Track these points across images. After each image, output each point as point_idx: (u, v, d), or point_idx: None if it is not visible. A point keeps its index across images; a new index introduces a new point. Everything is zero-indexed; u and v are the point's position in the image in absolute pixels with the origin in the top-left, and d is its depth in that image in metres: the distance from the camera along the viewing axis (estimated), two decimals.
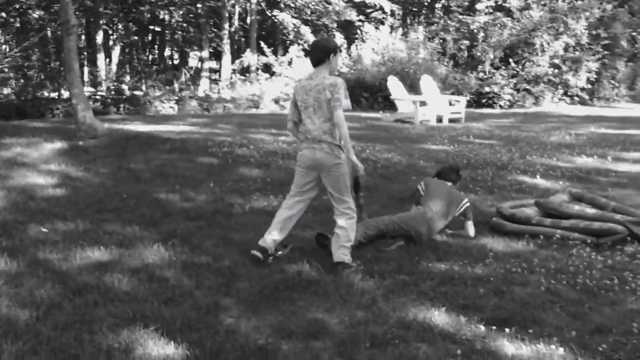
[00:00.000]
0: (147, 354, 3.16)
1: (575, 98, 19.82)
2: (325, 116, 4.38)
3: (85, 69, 23.83)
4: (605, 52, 19.85)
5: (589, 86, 19.83)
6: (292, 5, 22.71)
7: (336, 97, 4.31)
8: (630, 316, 3.67)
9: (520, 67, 18.79)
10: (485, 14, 20.18)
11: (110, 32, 27.81)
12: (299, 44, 21.12)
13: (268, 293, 3.96)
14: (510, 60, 18.84)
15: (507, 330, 3.45)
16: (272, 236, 4.59)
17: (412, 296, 3.97)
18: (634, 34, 21.83)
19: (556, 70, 19.02)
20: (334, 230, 4.55)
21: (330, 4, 22.24)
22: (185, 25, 27.06)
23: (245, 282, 4.16)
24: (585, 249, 4.88)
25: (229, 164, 8.05)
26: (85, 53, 25.15)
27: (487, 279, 4.25)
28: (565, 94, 19.70)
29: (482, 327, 3.50)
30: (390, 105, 15.66)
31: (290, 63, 19.03)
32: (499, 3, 20.32)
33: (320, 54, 4.44)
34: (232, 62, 22.52)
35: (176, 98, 17.00)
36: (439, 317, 3.65)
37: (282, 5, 22.83)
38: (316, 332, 3.44)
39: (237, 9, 24.35)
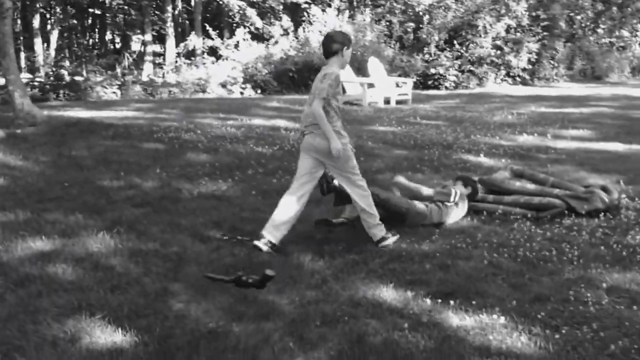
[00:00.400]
0: (95, 343, 3.12)
1: (517, 78, 20.35)
2: None
3: (22, 55, 22.90)
4: (545, 33, 20.43)
5: (530, 67, 20.39)
6: None
7: (320, 86, 4.41)
8: (567, 285, 3.84)
9: (464, 48, 19.13)
10: None
11: (47, 15, 26.74)
12: (245, 27, 20.85)
13: None
14: (455, 42, 19.16)
15: (452, 302, 3.57)
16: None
17: (362, 274, 4.04)
18: (571, 15, 22.52)
19: (498, 52, 19.46)
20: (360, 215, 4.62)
21: None
22: (126, 7, 26.21)
23: (194, 266, 4.14)
24: (525, 223, 5.06)
25: (176, 149, 7.94)
26: (21, 38, 24.14)
27: (433, 255, 4.36)
28: (507, 74, 20.20)
29: (429, 301, 3.61)
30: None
31: (237, 46, 18.78)
32: None
33: (329, 46, 4.53)
34: (177, 45, 22.05)
35: (119, 83, 16.55)
36: (388, 293, 3.73)
37: None
38: (267, 313, 3.47)
39: None
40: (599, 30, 23.93)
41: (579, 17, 22.98)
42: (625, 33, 24.61)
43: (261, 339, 3.17)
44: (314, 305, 3.56)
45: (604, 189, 5.54)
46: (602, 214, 5.21)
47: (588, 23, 23.65)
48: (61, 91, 15.31)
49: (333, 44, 4.54)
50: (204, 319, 3.39)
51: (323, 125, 4.43)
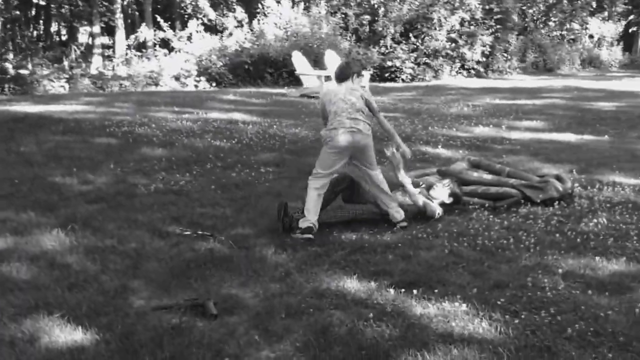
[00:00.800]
0: (54, 342, 3.03)
1: (472, 71, 20.73)
2: None
3: None
4: (498, 26, 20.85)
5: (484, 59, 20.79)
6: None
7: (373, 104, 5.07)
8: (524, 272, 3.93)
9: (419, 41, 19.34)
10: None
11: None
12: (198, 18, 20.53)
13: (179, 272, 3.88)
14: (410, 35, 19.35)
15: (414, 291, 3.60)
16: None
17: (325, 266, 4.04)
18: (524, 8, 23.05)
19: (453, 45, 19.76)
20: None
21: None
22: None
23: (154, 262, 4.06)
24: (483, 212, 5.16)
25: (130, 143, 7.77)
26: None
27: (396, 246, 4.39)
28: (462, 67, 20.54)
29: (392, 291, 3.63)
30: (296, 81, 15.69)
31: (190, 38, 18.48)
32: None
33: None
34: (127, 37, 21.54)
35: (67, 76, 16.06)
36: (351, 284, 3.74)
37: None
38: (231, 307, 3.43)
39: None
40: (550, 23, 24.57)
41: (530, 11, 23.55)
42: (575, 26, 25.35)
43: (226, 333, 3.14)
44: (278, 298, 3.55)
45: (558, 178, 5.69)
46: (557, 202, 5.35)
47: (540, 16, 24.24)
48: (6, 85, 14.77)
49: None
50: (167, 314, 3.33)
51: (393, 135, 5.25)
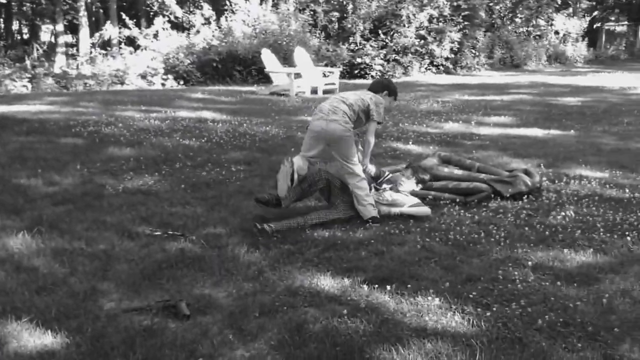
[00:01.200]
0: (23, 346, 2.96)
1: (441, 67, 20.92)
2: None
3: None
4: (466, 23, 21.08)
5: (452, 56, 20.99)
6: None
7: (377, 110, 5.20)
8: (495, 265, 3.98)
9: (388, 38, 19.43)
10: None
11: None
12: (164, 16, 20.29)
13: (150, 273, 3.83)
14: (379, 31, 19.43)
15: (388, 287, 3.61)
16: None
17: (298, 264, 4.03)
18: (491, 5, 23.34)
19: (422, 41, 19.91)
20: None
21: None
22: None
23: (124, 264, 3.99)
24: (455, 207, 5.21)
25: (97, 143, 7.63)
26: None
27: (368, 242, 4.41)
28: (431, 63, 20.71)
29: (366, 287, 3.64)
30: (265, 78, 15.62)
31: (156, 36, 18.24)
32: None
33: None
34: (91, 35, 21.17)
35: (29, 76, 15.71)
36: (325, 281, 3.74)
37: None
38: (204, 307, 3.40)
39: None
40: (517, 20, 24.93)
41: (497, 7, 23.85)
42: (541, 22, 25.76)
43: (199, 334, 3.11)
44: (251, 297, 3.53)
45: (527, 172, 5.78)
46: (526, 196, 5.43)
47: (506, 13, 24.58)
48: None
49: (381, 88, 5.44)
50: (138, 316, 3.28)
51: (366, 152, 5.25)
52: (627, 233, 4.53)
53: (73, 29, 24.57)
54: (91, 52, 19.38)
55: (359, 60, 18.88)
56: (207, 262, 4.03)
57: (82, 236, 4.49)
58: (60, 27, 22.17)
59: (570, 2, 29.55)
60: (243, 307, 3.38)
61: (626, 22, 35.02)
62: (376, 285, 3.65)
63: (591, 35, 29.66)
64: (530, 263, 4.00)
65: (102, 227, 4.70)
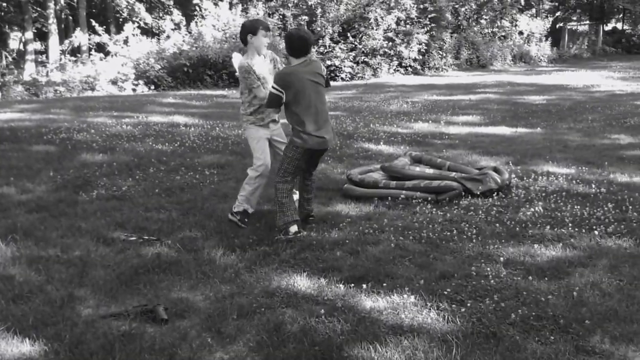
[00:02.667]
0: (1, 355, 2.95)
1: (409, 68, 21.13)
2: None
3: None
4: (433, 25, 21.35)
5: (420, 57, 21.23)
6: None
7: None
8: (468, 261, 4.07)
9: (357, 41, 19.58)
10: None
11: None
12: (134, 22, 20.13)
13: (126, 279, 3.83)
14: (348, 34, 19.56)
15: (364, 286, 3.67)
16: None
17: (274, 265, 4.06)
18: (456, 7, 23.66)
19: (390, 43, 20.10)
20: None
21: None
22: (4, 4, 24.43)
23: (100, 270, 3.98)
24: (427, 206, 5.29)
25: (69, 150, 7.55)
26: None
27: (343, 242, 4.46)
28: (399, 65, 20.91)
29: (342, 286, 3.69)
30: (236, 82, 15.57)
31: (126, 42, 18.09)
32: None
33: (241, 39, 4.94)
34: (61, 42, 20.90)
35: None
36: (301, 282, 3.78)
37: None
38: (182, 311, 3.41)
39: None
40: (482, 21, 25.29)
41: (463, 9, 24.18)
42: (505, 23, 26.16)
43: (178, 337, 3.13)
44: (229, 299, 3.55)
45: (496, 170, 5.91)
46: (495, 193, 5.55)
47: (472, 14, 24.93)
48: None
49: (241, 35, 4.89)
50: (116, 322, 3.28)
51: None
52: (594, 227, 4.65)
53: (42, 36, 24.22)
54: (61, 59, 19.14)
55: (328, 62, 18.97)
56: (183, 266, 4.04)
57: (57, 243, 4.46)
58: (29, 34, 21.85)
59: (533, 3, 30.10)
60: (221, 310, 3.41)
61: (587, 22, 35.82)
62: (352, 285, 3.70)
63: (554, 35, 30.23)
64: (502, 259, 4.08)
65: (77, 234, 4.67)
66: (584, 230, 4.63)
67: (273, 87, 4.53)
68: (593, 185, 5.80)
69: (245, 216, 4.87)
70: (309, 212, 4.95)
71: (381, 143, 8.12)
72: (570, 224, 4.75)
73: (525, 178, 6.17)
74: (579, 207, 5.17)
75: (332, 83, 17.60)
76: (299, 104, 4.52)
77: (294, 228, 4.58)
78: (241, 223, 4.83)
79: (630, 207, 5.11)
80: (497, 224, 4.78)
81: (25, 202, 5.57)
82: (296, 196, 4.97)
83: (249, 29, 4.83)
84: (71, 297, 3.58)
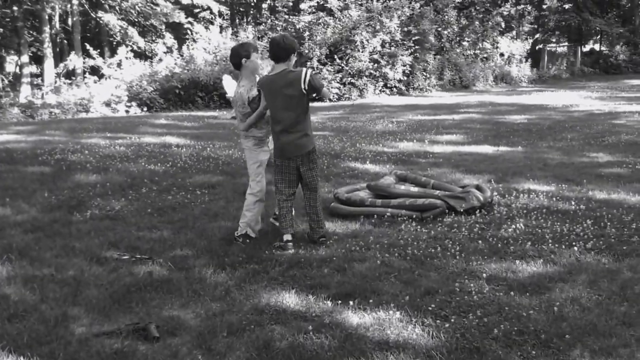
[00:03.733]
0: None
1: (394, 89, 21.42)
2: None
3: None
4: (417, 47, 21.71)
5: (405, 78, 21.54)
6: (117, 7, 21.78)
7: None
8: (452, 278, 4.18)
9: (344, 62, 19.88)
10: (309, 13, 21.08)
11: None
12: (127, 45, 20.34)
13: (119, 297, 3.90)
14: (335, 56, 19.87)
15: (351, 302, 3.76)
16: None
17: (264, 283, 4.15)
18: (439, 29, 24.06)
19: (376, 65, 20.42)
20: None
21: (157, 5, 21.68)
22: (0, 29, 24.56)
23: (93, 289, 4.06)
24: (412, 223, 5.41)
25: (64, 171, 7.63)
26: None
27: (330, 259, 4.56)
28: (385, 85, 21.20)
29: (329, 303, 3.78)
30: (227, 104, 15.77)
31: (119, 65, 18.28)
32: (321, 3, 21.33)
33: (233, 62, 5.11)
34: (56, 65, 21.05)
35: None
36: (290, 298, 3.87)
37: (106, 7, 21.80)
38: (173, 329, 3.48)
39: (58, 10, 22.73)
40: (464, 43, 25.72)
41: (446, 32, 24.59)
42: (487, 45, 26.60)
43: (169, 355, 3.19)
44: (219, 317, 3.62)
45: (478, 188, 6.05)
46: (478, 211, 5.67)
47: (454, 37, 25.35)
48: None
49: (234, 59, 5.07)
50: (109, 340, 3.35)
51: None
52: (574, 243, 4.77)
53: (38, 59, 24.34)
54: (56, 82, 19.27)
55: None
56: (175, 284, 4.12)
57: (52, 263, 4.53)
58: (25, 58, 22.02)
59: (513, 25, 30.65)
60: (211, 328, 3.48)
61: (566, 44, 36.47)
62: (339, 301, 3.78)
63: (534, 56, 30.77)
64: (484, 275, 4.18)
65: (71, 254, 4.75)
66: (564, 246, 4.74)
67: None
68: (572, 203, 5.93)
69: (246, 238, 5.02)
70: (317, 234, 5.00)
71: (367, 162, 8.25)
72: (550, 240, 4.86)
73: (507, 195, 6.29)
74: (559, 223, 5.29)
75: (319, 104, 17.96)
76: (270, 112, 4.79)
77: (286, 237, 4.86)
78: (243, 244, 4.97)
79: (609, 223, 5.24)
80: (480, 241, 4.88)
81: (21, 222, 5.64)
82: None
83: (243, 53, 5.00)
84: (65, 316, 3.65)
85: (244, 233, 5.02)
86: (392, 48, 20.78)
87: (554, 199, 6.11)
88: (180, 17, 22.26)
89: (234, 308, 3.76)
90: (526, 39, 31.56)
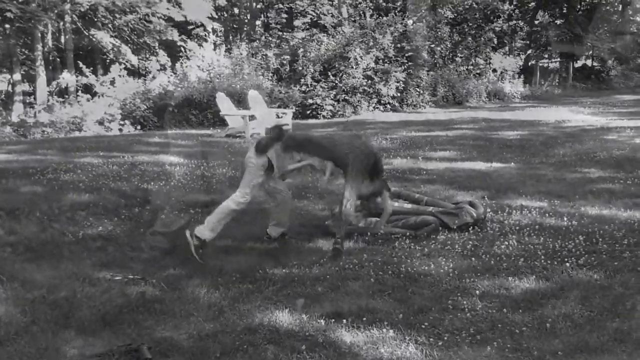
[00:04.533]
0: None
1: (388, 105, 21.52)
2: None
3: None
4: (410, 63, 21.88)
5: (398, 94, 21.65)
6: (110, 25, 21.90)
7: None
8: (445, 295, 4.19)
9: (338, 79, 20.01)
10: (303, 30, 21.23)
11: None
12: (120, 63, 20.41)
13: (111, 318, 3.89)
14: (329, 73, 20.00)
15: (344, 321, 3.77)
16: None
17: (257, 302, 4.15)
18: (432, 46, 24.26)
19: (369, 81, 20.56)
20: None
21: (150, 22, 21.79)
22: None
23: (85, 310, 4.04)
24: (405, 241, 5.43)
25: (56, 191, 7.61)
26: None
27: (324, 278, 4.57)
28: (378, 102, 21.30)
29: (323, 322, 3.78)
30: (221, 121, 15.79)
31: (112, 83, 18.30)
32: (315, 20, 21.49)
33: None
34: (48, 84, 21.07)
35: None
36: (283, 318, 3.87)
37: (99, 24, 21.90)
38: (165, 350, 3.47)
39: (50, 28, 22.82)
40: (457, 59, 25.90)
41: (438, 48, 24.80)
42: (480, 61, 26.77)
43: None
44: (212, 338, 3.62)
45: (471, 204, 6.07)
46: (471, 227, 5.70)
47: (447, 53, 25.56)
48: None
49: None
50: None
51: None
52: (566, 259, 4.81)
53: (30, 78, 24.36)
54: (48, 100, 19.25)
55: (310, 101, 19.30)
56: (167, 304, 4.11)
57: (44, 284, 4.50)
58: (17, 76, 22.00)
59: (505, 41, 30.91)
60: (204, 349, 3.47)
61: (558, 59, 36.79)
62: (333, 320, 3.80)
63: (527, 72, 31.05)
64: (477, 292, 4.20)
65: (63, 275, 4.73)
66: (556, 263, 4.77)
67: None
68: (565, 218, 5.97)
69: (203, 245, 5.00)
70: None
71: None
72: (543, 257, 4.89)
73: (499, 212, 6.33)
74: (551, 239, 5.33)
75: (313, 121, 18.02)
76: None
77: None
78: (195, 252, 4.93)
79: (600, 239, 5.28)
80: (473, 258, 4.92)
81: (13, 243, 5.59)
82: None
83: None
84: (57, 338, 3.64)
85: (203, 240, 5.02)
86: (386, 64, 20.93)
87: (547, 215, 6.16)
88: (173, 34, 22.39)
89: (227, 328, 3.76)
90: (518, 54, 31.84)
